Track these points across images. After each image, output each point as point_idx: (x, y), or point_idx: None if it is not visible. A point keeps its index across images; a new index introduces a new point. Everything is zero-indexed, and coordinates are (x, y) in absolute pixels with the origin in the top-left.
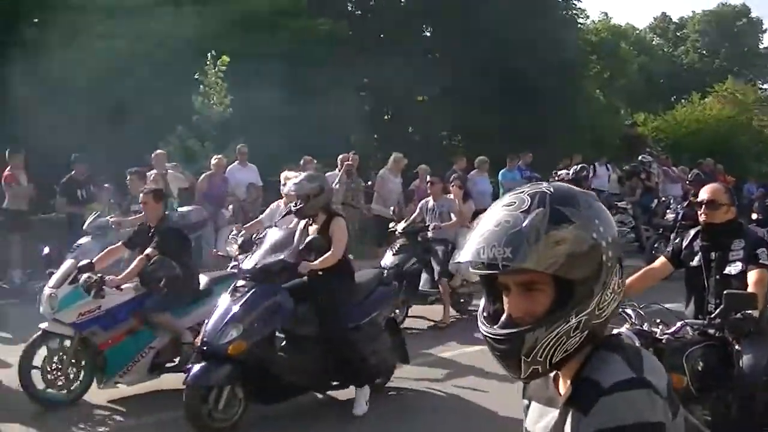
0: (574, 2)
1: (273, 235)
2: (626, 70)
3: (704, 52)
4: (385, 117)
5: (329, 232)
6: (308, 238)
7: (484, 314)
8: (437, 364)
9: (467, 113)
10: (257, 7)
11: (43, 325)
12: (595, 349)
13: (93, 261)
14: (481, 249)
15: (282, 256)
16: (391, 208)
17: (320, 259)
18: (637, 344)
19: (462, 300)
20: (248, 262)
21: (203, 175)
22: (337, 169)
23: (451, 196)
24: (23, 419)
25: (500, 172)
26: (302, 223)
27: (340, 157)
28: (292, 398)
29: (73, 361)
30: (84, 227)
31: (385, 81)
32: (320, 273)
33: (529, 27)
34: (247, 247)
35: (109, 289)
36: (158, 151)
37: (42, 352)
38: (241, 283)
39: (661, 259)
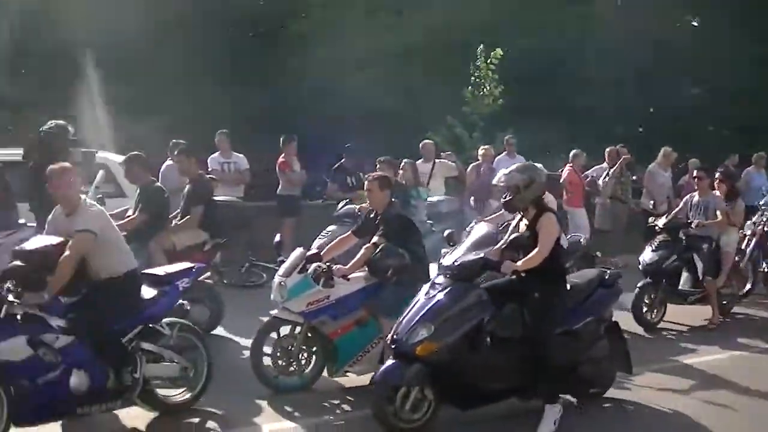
0: None
1: (478, 230)
2: None
3: None
4: (651, 110)
5: (537, 228)
6: (511, 236)
7: None
8: (681, 372)
9: (738, 106)
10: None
11: (275, 312)
12: None
13: (322, 251)
14: None
15: (482, 254)
16: (661, 203)
17: (524, 259)
18: None
19: (725, 302)
20: (448, 258)
21: (471, 166)
22: (604, 163)
23: (718, 192)
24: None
25: None
26: (517, 218)
27: (608, 150)
28: (491, 404)
29: (303, 347)
30: (333, 214)
31: (646, 71)
32: (524, 273)
33: None
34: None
35: (338, 279)
36: (426, 141)
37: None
38: (439, 279)
39: None
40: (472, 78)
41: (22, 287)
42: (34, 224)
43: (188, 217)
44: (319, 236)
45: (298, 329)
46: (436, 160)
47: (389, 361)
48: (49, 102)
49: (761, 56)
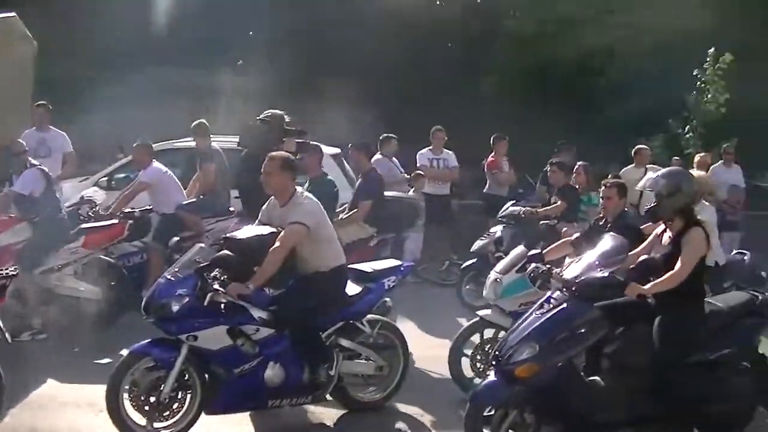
0: None
1: (608, 241)
2: None
3: None
4: None
5: (682, 243)
6: (641, 258)
7: None
8: None
9: None
10: None
11: (482, 313)
12: None
13: (543, 251)
14: None
15: (608, 272)
16: None
17: (658, 281)
18: None
19: None
20: (570, 271)
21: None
22: None
23: None
24: None
25: None
26: (659, 228)
27: None
28: None
29: None
30: (498, 216)
31: None
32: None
33: None
34: None
35: (555, 283)
36: (641, 146)
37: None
38: (555, 294)
39: None
40: (697, 83)
41: (229, 276)
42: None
43: (354, 211)
44: (481, 237)
45: (502, 334)
46: (648, 167)
47: (489, 379)
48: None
49: None
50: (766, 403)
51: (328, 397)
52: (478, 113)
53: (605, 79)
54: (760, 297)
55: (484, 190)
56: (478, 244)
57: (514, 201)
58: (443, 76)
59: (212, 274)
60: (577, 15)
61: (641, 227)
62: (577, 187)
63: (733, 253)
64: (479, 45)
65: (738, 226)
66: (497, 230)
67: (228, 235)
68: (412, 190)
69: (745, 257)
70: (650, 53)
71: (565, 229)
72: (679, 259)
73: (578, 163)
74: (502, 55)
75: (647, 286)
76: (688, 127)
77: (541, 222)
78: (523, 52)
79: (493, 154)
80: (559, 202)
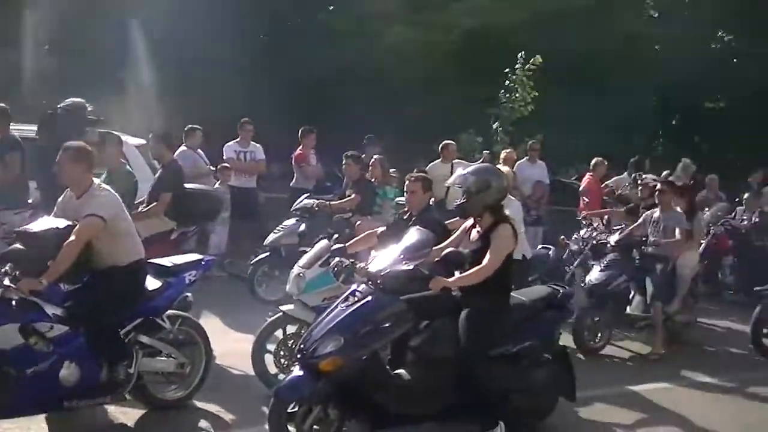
0: None
1: (413, 235)
2: None
3: None
4: (673, 121)
5: (490, 239)
6: (446, 251)
7: None
8: (621, 401)
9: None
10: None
11: (284, 308)
12: None
13: (346, 244)
14: None
15: (413, 265)
16: None
17: (464, 274)
18: None
19: (676, 329)
20: (375, 265)
21: None
22: (625, 173)
23: (679, 209)
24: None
25: None
26: (468, 223)
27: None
28: (407, 428)
29: None
30: (291, 209)
31: (675, 83)
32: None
33: None
34: None
35: (359, 277)
36: (448, 141)
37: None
38: (360, 287)
39: None
40: (507, 82)
41: (21, 272)
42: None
43: (154, 204)
44: (274, 231)
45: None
46: (455, 162)
47: (293, 374)
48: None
49: None
50: (567, 393)
51: (127, 396)
52: (285, 104)
53: (408, 78)
54: (561, 291)
55: (291, 184)
56: (271, 238)
57: (308, 194)
58: (250, 66)
59: (3, 270)
60: (386, 12)
61: (447, 222)
62: (372, 180)
63: (538, 248)
64: (292, 37)
65: (542, 220)
66: (290, 223)
67: (20, 228)
68: (218, 182)
69: (550, 252)
70: (460, 52)
71: (359, 222)
72: (488, 254)
73: (374, 156)
74: (311, 49)
75: (452, 279)
76: (497, 123)
77: (336, 215)
78: (333, 47)
79: (300, 147)
80: (353, 195)
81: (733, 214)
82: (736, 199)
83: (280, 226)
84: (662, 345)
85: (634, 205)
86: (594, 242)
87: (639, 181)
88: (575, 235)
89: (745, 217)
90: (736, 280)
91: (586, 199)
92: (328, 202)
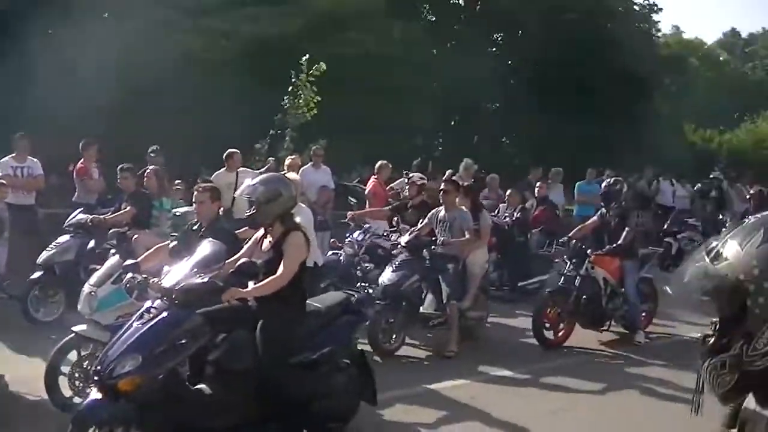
0: (652, 15)
1: (205, 247)
2: (694, 85)
3: None
4: (452, 122)
5: (282, 248)
6: (240, 262)
7: None
8: (422, 400)
9: (534, 123)
10: (336, 7)
11: (77, 329)
12: None
13: (138, 260)
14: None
15: (207, 278)
16: None
17: (261, 284)
18: None
19: (470, 325)
20: (168, 279)
21: None
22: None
23: (464, 208)
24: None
25: (577, 185)
26: (259, 234)
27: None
28: None
29: None
30: (65, 225)
31: (453, 86)
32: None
33: (605, 37)
34: None
35: (153, 293)
36: (232, 150)
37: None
38: (155, 303)
39: None
40: (290, 87)
41: None
42: None
43: None
44: (47, 248)
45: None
46: (240, 171)
47: (90, 396)
48: None
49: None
50: (368, 397)
51: None
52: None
53: (190, 86)
54: (355, 296)
55: (74, 198)
56: (44, 256)
57: (82, 209)
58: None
59: None
60: (167, 20)
61: (237, 231)
62: (147, 191)
63: (328, 254)
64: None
65: (328, 225)
66: (63, 240)
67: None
68: None
69: (340, 257)
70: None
71: (135, 236)
72: (282, 263)
73: (148, 167)
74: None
75: (247, 290)
76: (281, 130)
77: (112, 230)
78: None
79: (82, 160)
80: (128, 208)
81: (497, 210)
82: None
83: (54, 243)
84: (457, 342)
85: (400, 204)
86: (368, 243)
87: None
88: (348, 238)
89: (507, 214)
90: (499, 276)
91: (374, 203)
92: (102, 217)
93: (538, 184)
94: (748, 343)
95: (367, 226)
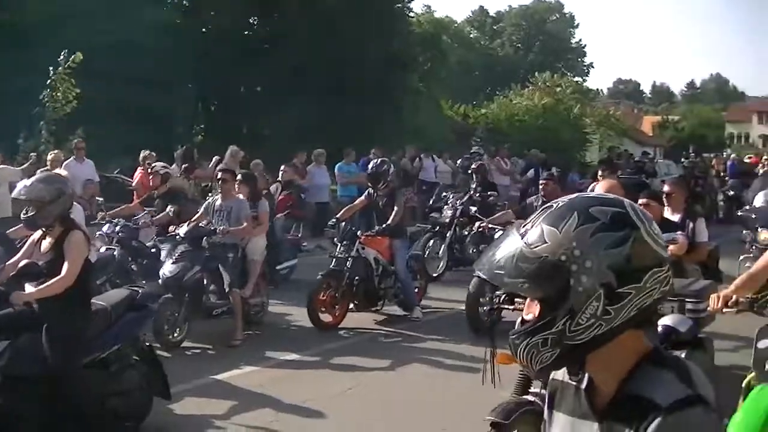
0: None
1: None
2: (446, 63)
3: (519, 45)
4: (212, 108)
5: (64, 248)
6: (21, 264)
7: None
8: (213, 392)
9: (295, 106)
10: None
11: None
12: (640, 362)
13: None
14: (487, 258)
15: None
16: None
17: (45, 286)
18: None
19: (253, 312)
20: None
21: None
22: (174, 165)
23: (241, 196)
24: None
25: (337, 165)
26: (36, 235)
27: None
28: None
29: None
30: None
31: (212, 71)
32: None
33: (361, 18)
34: None
35: None
36: None
37: None
38: None
39: None
40: (49, 80)
41: None
42: None
43: None
44: None
45: None
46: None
47: None
48: None
49: None
50: (160, 392)
51: None
52: None
53: None
54: (139, 291)
55: None
56: None
57: None
58: None
59: None
60: None
61: (8, 232)
62: None
63: (102, 249)
64: None
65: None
66: None
67: None
68: None
69: (115, 252)
70: None
71: None
72: (65, 263)
73: None
74: None
75: (31, 293)
76: (42, 123)
77: None
78: None
79: None
80: None
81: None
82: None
83: None
84: (243, 330)
85: (147, 196)
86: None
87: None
88: (99, 232)
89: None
90: None
91: (141, 193)
92: None
93: (282, 167)
94: (572, 319)
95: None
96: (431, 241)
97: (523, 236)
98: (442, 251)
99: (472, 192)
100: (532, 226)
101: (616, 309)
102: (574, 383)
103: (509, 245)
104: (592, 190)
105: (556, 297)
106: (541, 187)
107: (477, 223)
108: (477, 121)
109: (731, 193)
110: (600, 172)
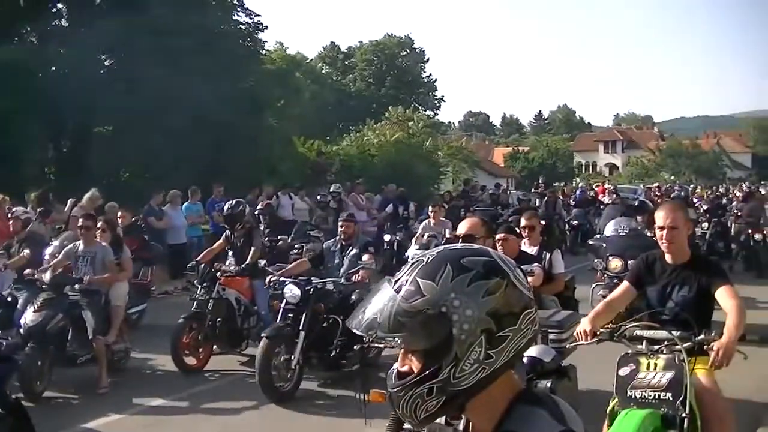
0: (257, 33)
1: None
2: (299, 99)
3: (371, 80)
4: (65, 149)
5: None
6: None
7: (395, 370)
8: None
9: (147, 145)
10: None
11: None
12: (514, 402)
13: None
14: (362, 314)
15: None
16: None
17: None
18: None
19: (116, 358)
20: None
21: None
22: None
23: (104, 242)
24: None
25: (184, 206)
26: None
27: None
28: None
29: None
30: None
31: (62, 111)
32: None
33: (211, 56)
34: None
35: None
36: None
37: None
38: None
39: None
40: None
41: None
42: None
43: None
44: None
45: None
46: None
47: None
48: None
49: None
50: None
51: None
52: None
53: None
54: (3, 343)
55: None
56: None
57: None
58: None
59: None
60: None
61: None
62: None
63: None
64: None
65: None
66: None
67: None
68: None
69: None
70: None
71: None
72: None
73: None
74: None
75: None
76: None
77: None
78: None
79: None
80: None
81: None
82: None
83: None
84: (108, 377)
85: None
86: None
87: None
88: None
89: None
90: None
91: None
92: None
93: (119, 213)
94: (456, 366)
95: None
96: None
97: (398, 291)
98: None
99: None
100: (406, 281)
101: (497, 352)
102: (452, 426)
103: (383, 300)
104: (427, 225)
105: (439, 347)
106: (499, 243)
107: (268, 278)
108: (331, 157)
109: (575, 222)
110: (431, 208)
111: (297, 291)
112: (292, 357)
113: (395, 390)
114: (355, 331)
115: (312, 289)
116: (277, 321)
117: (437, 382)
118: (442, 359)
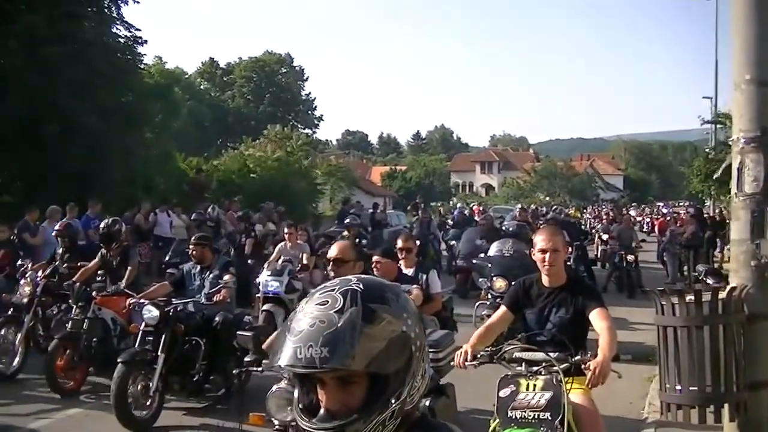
0: (135, 47)
1: None
2: (177, 115)
3: (250, 97)
4: None
5: None
6: None
7: (300, 407)
8: None
9: (23, 158)
10: None
11: None
12: (410, 429)
13: None
14: (298, 349)
15: None
16: None
17: None
18: None
19: None
20: None
21: None
22: None
23: None
24: None
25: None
26: None
27: None
28: None
29: None
30: None
31: None
32: None
33: (88, 67)
34: None
35: None
36: None
37: None
38: None
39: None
40: None
41: None
42: None
43: None
44: None
45: None
46: None
47: None
48: None
49: None
50: None
51: None
52: None
53: None
54: None
55: None
56: None
57: None
58: None
59: None
60: None
61: None
62: None
63: None
64: None
65: None
66: None
67: None
68: None
69: None
70: None
71: None
72: None
73: None
74: None
75: None
76: None
77: None
78: None
79: None
80: None
81: None
82: None
83: None
84: None
85: None
86: None
87: None
88: None
89: None
90: None
91: None
92: None
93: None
94: (412, 384)
95: None
96: (3, 330)
97: (351, 318)
98: (18, 341)
99: (58, 262)
100: (351, 307)
101: (427, 366)
102: None
103: (336, 329)
104: (283, 248)
105: (404, 367)
106: (374, 266)
107: (129, 300)
108: (210, 174)
109: (452, 243)
110: (286, 229)
111: (156, 312)
112: (151, 383)
113: (357, 425)
114: (296, 370)
115: (171, 310)
116: (136, 345)
117: (399, 403)
118: (406, 378)
